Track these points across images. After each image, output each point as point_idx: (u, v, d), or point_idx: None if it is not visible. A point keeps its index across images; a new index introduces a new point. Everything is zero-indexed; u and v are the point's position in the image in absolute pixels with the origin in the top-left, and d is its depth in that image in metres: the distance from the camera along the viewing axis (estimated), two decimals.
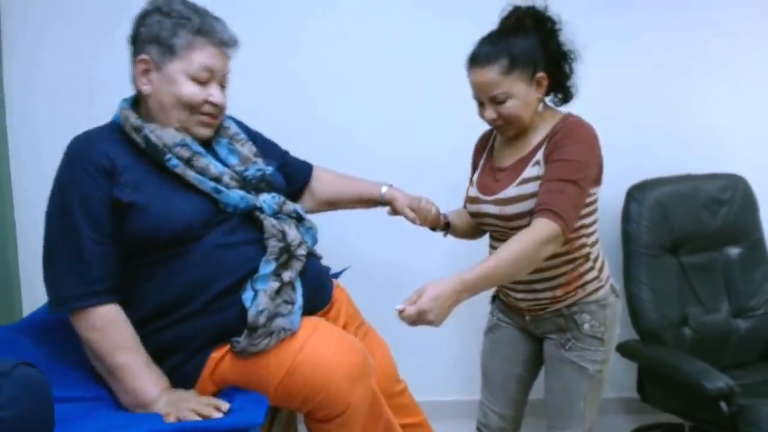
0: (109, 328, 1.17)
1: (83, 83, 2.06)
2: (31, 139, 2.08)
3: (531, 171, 1.37)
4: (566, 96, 1.46)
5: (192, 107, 1.26)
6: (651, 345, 1.90)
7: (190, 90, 1.25)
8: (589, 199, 1.38)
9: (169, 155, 1.21)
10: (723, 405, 1.61)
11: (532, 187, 1.36)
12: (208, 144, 1.32)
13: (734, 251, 2.05)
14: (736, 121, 2.19)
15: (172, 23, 1.23)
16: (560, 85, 1.44)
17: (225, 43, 1.28)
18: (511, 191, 1.39)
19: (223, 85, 1.32)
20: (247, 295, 1.20)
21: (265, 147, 1.50)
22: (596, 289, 1.44)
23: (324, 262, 1.47)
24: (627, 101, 2.14)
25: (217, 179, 1.25)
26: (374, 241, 2.10)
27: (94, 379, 1.24)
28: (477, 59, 1.37)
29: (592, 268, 1.43)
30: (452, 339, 2.19)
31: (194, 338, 1.21)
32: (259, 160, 1.36)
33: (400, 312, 1.18)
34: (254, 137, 1.47)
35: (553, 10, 1.41)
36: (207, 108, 1.28)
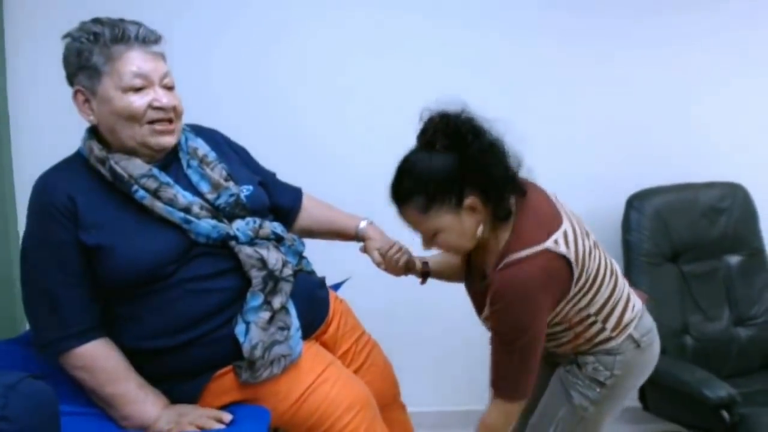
0: (95, 365, 1.17)
1: None
2: (35, 149, 2.09)
3: (487, 310, 1.25)
4: (507, 213, 1.23)
5: (136, 118, 1.18)
6: None
7: (128, 101, 1.17)
8: (574, 291, 1.23)
9: (135, 187, 1.17)
10: (724, 414, 1.61)
11: None
12: (179, 170, 1.27)
13: (734, 260, 2.06)
14: (735, 129, 2.19)
15: (85, 46, 1.18)
16: (502, 196, 1.22)
17: (144, 41, 1.20)
18: (486, 313, 1.28)
19: (168, 87, 1.23)
20: (239, 329, 1.19)
21: (247, 164, 1.44)
22: (606, 340, 1.32)
23: (324, 273, 1.47)
24: (626, 110, 2.14)
25: (187, 209, 1.19)
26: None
27: None
28: (394, 196, 1.23)
29: (602, 330, 1.31)
30: (457, 350, 2.19)
31: (186, 368, 1.21)
32: (231, 185, 1.28)
33: None
34: (235, 152, 1.42)
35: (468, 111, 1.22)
36: (153, 114, 1.19)
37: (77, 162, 1.24)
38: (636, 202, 2.01)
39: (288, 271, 1.26)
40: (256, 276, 1.21)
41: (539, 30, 2.06)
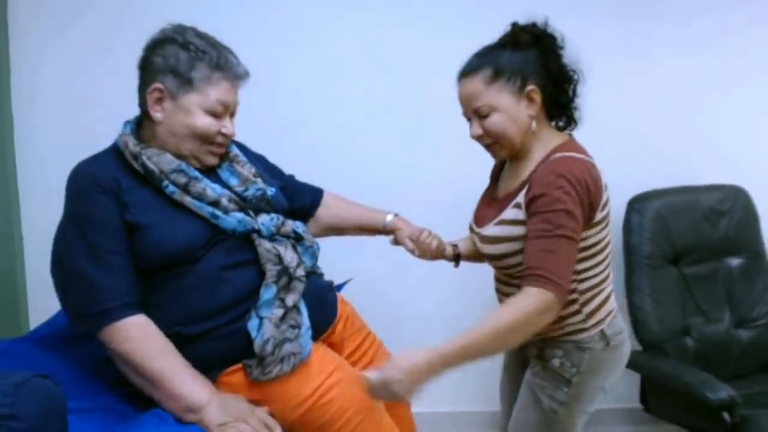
0: (144, 336, 1.17)
1: (89, 95, 2.08)
2: (38, 153, 2.10)
3: (509, 213, 1.27)
4: (568, 122, 1.36)
5: (204, 138, 1.27)
6: (653, 355, 1.92)
7: (206, 122, 1.26)
8: (583, 244, 1.24)
9: (165, 182, 1.22)
10: (725, 415, 1.61)
11: (509, 230, 1.27)
12: (211, 167, 1.33)
13: (735, 262, 2.07)
14: (736, 132, 2.21)
15: (189, 56, 1.24)
16: (560, 108, 1.33)
17: (240, 77, 1.30)
18: (489, 230, 1.31)
19: (233, 115, 1.33)
20: (252, 324, 1.21)
21: (268, 170, 1.50)
22: (577, 331, 1.30)
23: (327, 274, 1.48)
24: (628, 113, 2.16)
25: (215, 203, 1.25)
26: (378, 252, 2.11)
27: (108, 390, 1.25)
28: (462, 71, 1.31)
29: (577, 312, 1.29)
30: None
31: (197, 362, 1.21)
32: (259, 180, 1.36)
33: (364, 379, 1.13)
34: (255, 160, 1.47)
35: (555, 29, 1.33)
36: (219, 139, 1.29)
37: (113, 153, 1.28)
38: (637, 204, 2.02)
39: (301, 272, 1.29)
40: (271, 269, 1.24)
41: None
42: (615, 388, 2.20)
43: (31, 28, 2.05)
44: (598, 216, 1.24)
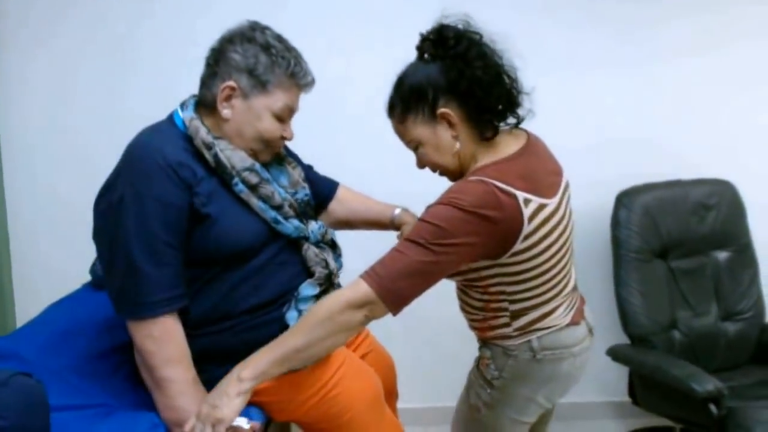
0: (167, 339, 1.15)
1: (76, 96, 2.08)
2: (25, 152, 2.09)
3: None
4: (495, 130, 1.21)
5: (268, 141, 1.26)
6: (641, 348, 1.92)
7: (273, 127, 1.25)
8: (506, 270, 1.17)
9: (236, 179, 1.20)
10: (712, 407, 1.63)
11: None
12: (266, 164, 1.32)
13: (722, 255, 2.08)
14: (723, 126, 2.22)
15: (269, 60, 1.22)
16: (487, 113, 1.19)
17: (309, 85, 1.29)
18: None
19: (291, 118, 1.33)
20: (291, 315, 1.23)
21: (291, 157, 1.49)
22: (504, 337, 1.26)
23: None
24: (615, 108, 2.17)
25: (279, 207, 1.26)
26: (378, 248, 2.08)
27: (93, 388, 1.24)
28: (386, 109, 1.26)
29: (506, 325, 1.25)
30: (459, 345, 2.19)
31: (233, 350, 1.21)
32: (306, 185, 1.38)
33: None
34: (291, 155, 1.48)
35: (478, 22, 1.20)
36: (279, 143, 1.30)
37: (176, 135, 1.22)
38: (625, 198, 2.03)
39: (338, 279, 1.34)
40: (321, 272, 1.28)
41: (533, 33, 2.06)
42: (603, 381, 2.22)
43: (18, 22, 2.04)
44: (520, 246, 1.14)
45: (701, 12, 2.15)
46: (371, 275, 1.10)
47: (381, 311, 1.11)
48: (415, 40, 1.22)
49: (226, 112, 1.22)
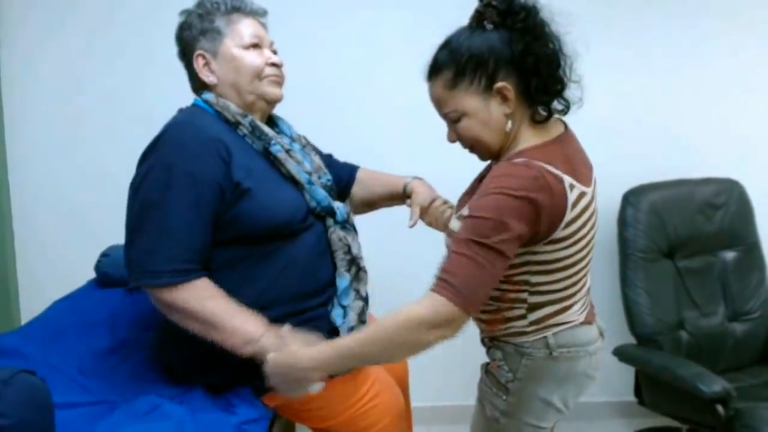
0: (205, 293, 1.18)
1: (81, 97, 2.07)
2: (30, 147, 2.09)
3: (466, 210, 1.11)
4: (548, 113, 1.14)
5: (257, 73, 1.30)
6: (648, 349, 1.91)
7: (253, 56, 1.30)
8: (537, 258, 1.11)
9: (273, 141, 1.27)
10: (719, 408, 1.62)
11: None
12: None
13: (730, 255, 2.07)
14: (730, 125, 2.20)
15: (206, 12, 1.30)
16: (545, 94, 1.12)
17: (257, 12, 1.36)
18: (453, 223, 1.15)
19: (275, 52, 1.36)
20: (336, 312, 1.25)
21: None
22: (518, 333, 1.18)
23: None
24: (623, 107, 2.15)
25: (309, 173, 1.31)
26: (382, 241, 1.94)
27: (96, 385, 1.25)
28: (427, 71, 1.14)
29: (522, 317, 1.17)
30: (465, 344, 2.18)
31: None
32: (327, 171, 1.41)
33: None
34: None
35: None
36: (270, 70, 1.32)
37: (207, 115, 1.29)
38: (632, 197, 2.01)
39: (363, 263, 1.34)
40: (342, 258, 1.29)
41: None
42: (609, 381, 2.20)
43: (22, 16, 2.03)
44: (560, 233, 1.08)
45: (712, 13, 2.14)
46: (448, 289, 1.01)
47: (462, 325, 1.04)
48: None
49: (211, 78, 1.30)
